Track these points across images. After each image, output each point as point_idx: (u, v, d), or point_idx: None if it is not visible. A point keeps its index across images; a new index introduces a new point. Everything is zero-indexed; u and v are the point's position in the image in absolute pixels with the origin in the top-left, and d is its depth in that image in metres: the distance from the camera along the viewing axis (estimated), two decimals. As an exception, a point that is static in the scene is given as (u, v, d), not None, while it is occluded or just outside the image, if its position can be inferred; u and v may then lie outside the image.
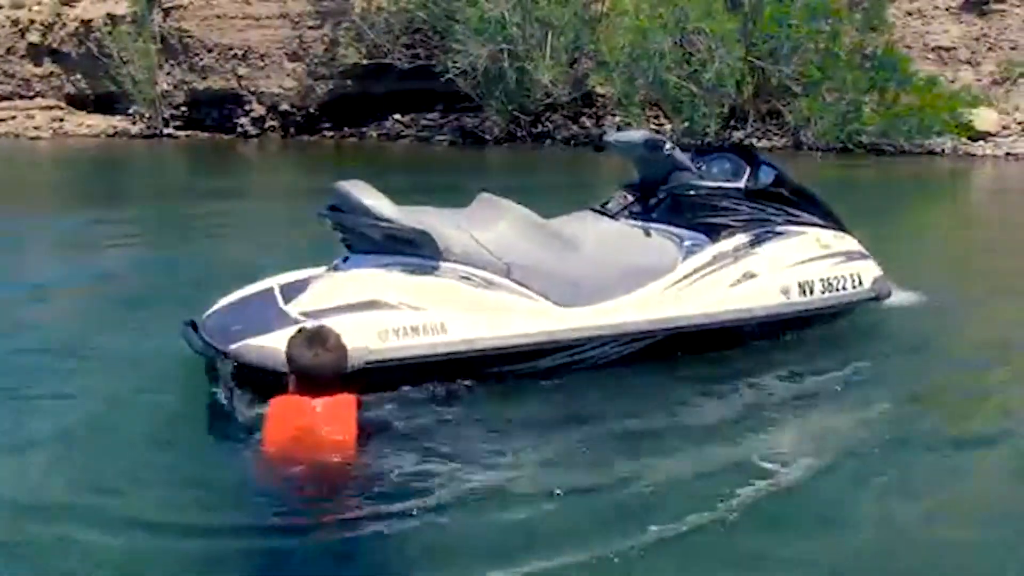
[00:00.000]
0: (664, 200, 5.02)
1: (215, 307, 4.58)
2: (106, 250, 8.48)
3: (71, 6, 25.85)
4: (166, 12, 24.95)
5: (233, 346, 3.98)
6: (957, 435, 4.15)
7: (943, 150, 19.52)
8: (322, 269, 4.57)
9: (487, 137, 21.88)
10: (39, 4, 25.82)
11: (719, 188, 5.00)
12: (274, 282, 4.65)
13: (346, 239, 4.47)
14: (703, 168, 5.11)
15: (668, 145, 4.98)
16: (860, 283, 5.20)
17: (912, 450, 3.94)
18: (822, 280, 5.05)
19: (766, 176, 5.12)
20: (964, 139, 19.90)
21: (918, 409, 4.46)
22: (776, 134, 20.26)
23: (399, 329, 4.10)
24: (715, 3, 19.47)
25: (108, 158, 20.75)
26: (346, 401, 3.52)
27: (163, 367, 4.61)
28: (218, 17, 24.64)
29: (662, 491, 3.40)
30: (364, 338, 3.99)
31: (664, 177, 5.04)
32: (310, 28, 24.21)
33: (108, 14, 25.10)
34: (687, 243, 4.87)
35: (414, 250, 4.28)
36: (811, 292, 5.02)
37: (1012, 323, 5.96)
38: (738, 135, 19.44)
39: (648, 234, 4.86)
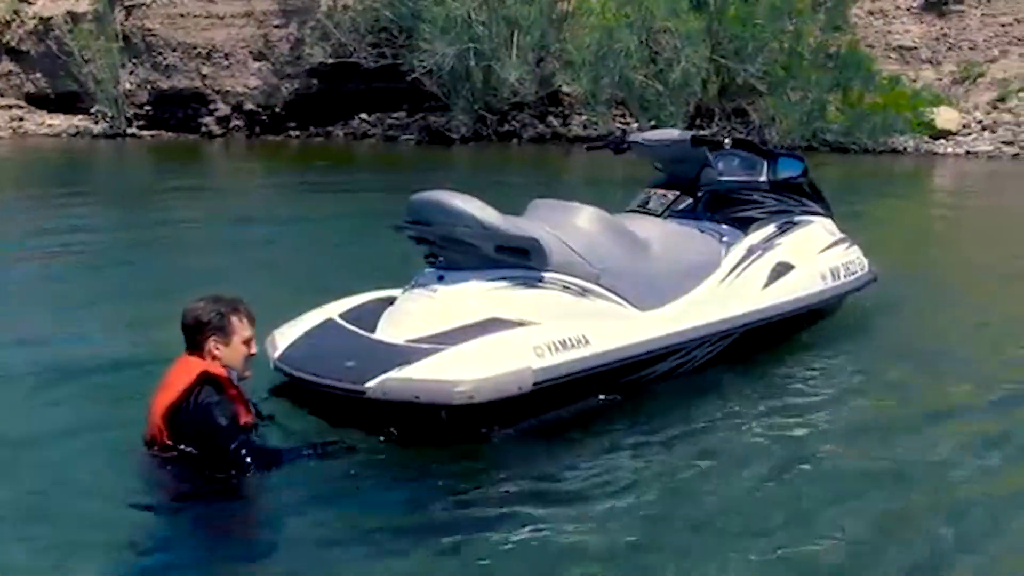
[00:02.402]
0: (703, 197, 5.09)
1: (280, 343, 4.21)
2: (57, 254, 8.33)
3: (29, 3, 25.49)
4: (128, 10, 24.67)
5: (371, 383, 3.66)
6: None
7: (905, 148, 19.77)
8: (381, 293, 4.31)
9: (453, 136, 21.85)
10: (-4, 2, 25.47)
11: (751, 182, 5.16)
12: (331, 312, 4.33)
13: (434, 254, 4.15)
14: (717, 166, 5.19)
15: (727, 142, 5.09)
16: (864, 266, 5.58)
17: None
18: (842, 264, 5.40)
19: (792, 168, 5.32)
20: (926, 138, 20.16)
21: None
22: (741, 133, 20.41)
23: (550, 344, 3.86)
24: (680, 2, 19.58)
25: (69, 158, 20.47)
26: (190, 365, 3.48)
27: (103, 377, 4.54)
28: (181, 16, 24.42)
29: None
30: (525, 358, 3.76)
31: (696, 175, 5.11)
32: (275, 27, 24.05)
33: (68, 12, 24.78)
34: (725, 238, 4.98)
35: (522, 260, 4.09)
36: (839, 276, 5.34)
37: (978, 304, 6.30)
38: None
39: (697, 231, 4.94)
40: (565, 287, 4.18)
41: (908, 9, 22.98)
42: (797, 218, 5.26)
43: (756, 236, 5.05)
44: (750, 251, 4.98)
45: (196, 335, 3.54)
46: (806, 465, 3.69)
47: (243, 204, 12.74)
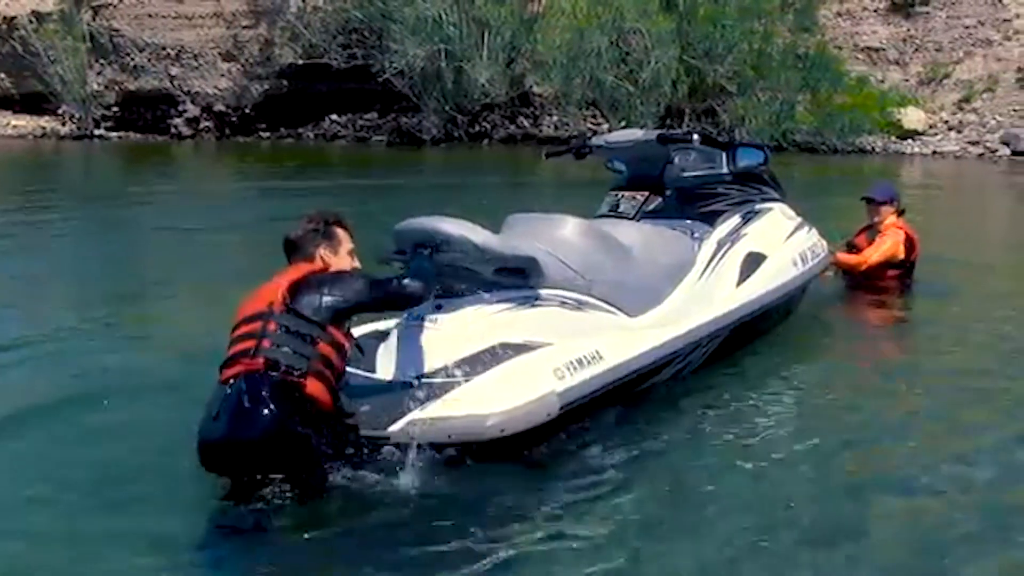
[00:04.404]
0: (672, 195, 5.07)
1: None
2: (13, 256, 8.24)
3: (-7, 3, 25.24)
4: (95, 10, 24.46)
5: (395, 427, 3.49)
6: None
7: (873, 148, 19.97)
8: (369, 328, 4.08)
9: (424, 137, 21.82)
10: (-41, 1, 25.16)
11: (714, 175, 5.14)
12: None
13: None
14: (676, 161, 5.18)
15: (696, 137, 5.06)
16: (824, 247, 5.61)
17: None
18: (808, 248, 5.40)
19: (753, 157, 5.31)
20: (894, 138, 20.39)
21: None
22: (711, 132, 20.52)
23: (568, 365, 3.77)
24: (651, 3, 19.68)
25: (35, 160, 20.23)
26: (308, 265, 3.51)
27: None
28: (149, 16, 24.23)
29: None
30: (547, 382, 3.67)
31: (660, 173, 5.07)
32: (245, 27, 23.93)
33: (33, 11, 24.52)
34: (696, 234, 4.94)
35: (519, 280, 3.98)
36: (807, 261, 5.35)
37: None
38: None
39: (670, 231, 4.90)
40: (562, 302, 4.11)
41: (875, 11, 23.21)
42: (759, 206, 5.26)
43: (723, 229, 5.03)
44: (720, 245, 4.95)
45: (306, 244, 3.56)
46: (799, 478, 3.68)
47: (210, 205, 12.62)
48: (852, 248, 6.50)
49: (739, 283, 4.91)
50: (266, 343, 3.25)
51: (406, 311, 3.91)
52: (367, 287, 3.47)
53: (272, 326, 3.29)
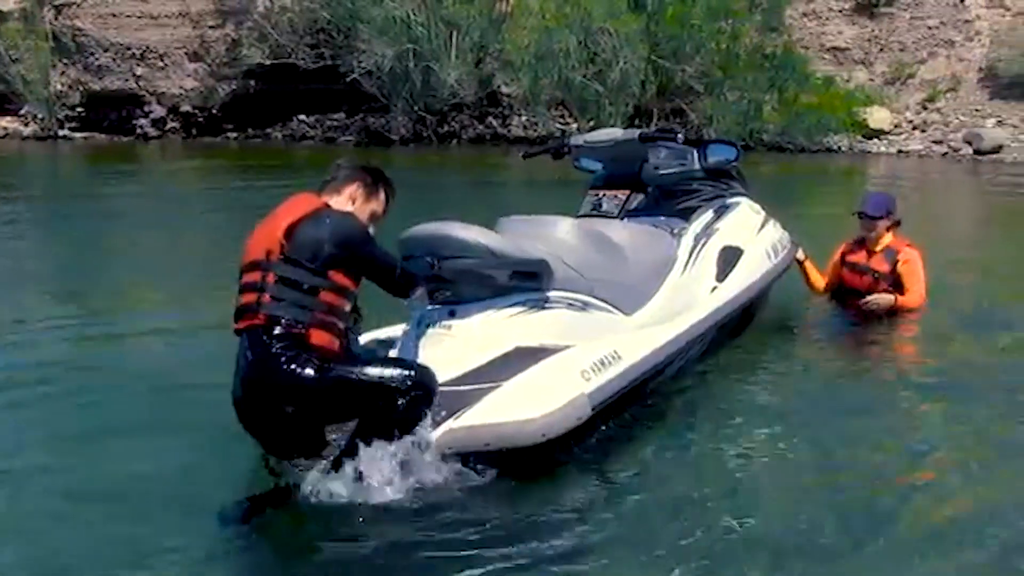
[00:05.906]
0: (652, 192, 5.15)
1: None
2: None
3: (-46, 2, 24.85)
4: (57, 9, 24.15)
5: (432, 437, 3.45)
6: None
7: (840, 147, 20.14)
8: (371, 335, 4.04)
9: (393, 137, 21.74)
10: (-81, 0, 24.73)
11: (688, 171, 5.20)
12: None
13: (440, 288, 3.88)
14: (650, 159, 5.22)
15: (680, 136, 5.09)
16: (788, 239, 5.69)
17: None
18: (778, 240, 5.52)
19: (724, 153, 5.32)
20: (859, 137, 20.58)
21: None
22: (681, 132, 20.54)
23: (592, 366, 3.79)
24: (619, 3, 19.72)
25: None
26: (320, 198, 3.46)
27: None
28: (114, 15, 23.97)
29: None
30: (577, 385, 3.68)
31: (638, 171, 5.14)
32: (211, 27, 23.73)
33: (-6, 10, 24.21)
34: (675, 230, 5.00)
35: (532, 283, 3.98)
36: (778, 252, 5.45)
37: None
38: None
39: (653, 228, 4.95)
40: (569, 304, 4.12)
41: (840, 11, 23.42)
42: (729, 201, 5.34)
43: (698, 224, 5.11)
44: (696, 240, 5.02)
45: (349, 172, 3.52)
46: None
47: (174, 206, 12.52)
48: (854, 269, 5.96)
49: (718, 276, 4.98)
50: (266, 298, 3.21)
51: (416, 317, 3.89)
52: (371, 241, 3.38)
53: (271, 278, 3.22)
